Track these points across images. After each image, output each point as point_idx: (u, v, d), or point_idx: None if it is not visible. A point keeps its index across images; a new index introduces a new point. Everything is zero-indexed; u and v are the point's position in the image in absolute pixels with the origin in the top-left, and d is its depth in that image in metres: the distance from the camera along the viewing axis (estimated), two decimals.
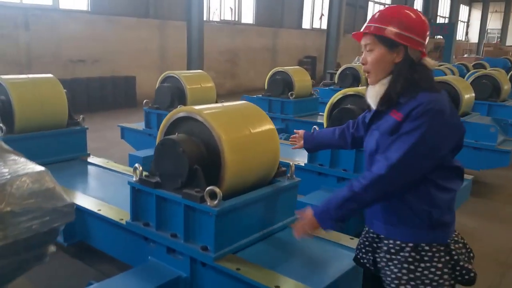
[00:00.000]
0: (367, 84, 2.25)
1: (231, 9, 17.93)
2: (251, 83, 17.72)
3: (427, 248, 2.03)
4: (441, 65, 12.21)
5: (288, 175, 3.31)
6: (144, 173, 3.12)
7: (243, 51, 17.82)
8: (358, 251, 2.37)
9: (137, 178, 3.11)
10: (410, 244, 2.04)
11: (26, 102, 4.66)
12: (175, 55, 14.36)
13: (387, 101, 2.09)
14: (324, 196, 4.01)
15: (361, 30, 2.18)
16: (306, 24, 22.56)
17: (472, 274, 2.06)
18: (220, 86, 16.03)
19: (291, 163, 3.35)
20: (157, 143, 3.04)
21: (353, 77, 9.80)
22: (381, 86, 2.11)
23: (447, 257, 2.04)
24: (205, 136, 2.90)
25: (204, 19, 13.98)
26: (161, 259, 3.06)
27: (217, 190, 2.70)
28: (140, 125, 6.76)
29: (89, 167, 4.85)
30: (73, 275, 4.02)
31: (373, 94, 2.16)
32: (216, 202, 2.70)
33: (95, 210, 3.55)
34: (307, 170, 4.73)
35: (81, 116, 5.11)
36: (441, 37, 22.66)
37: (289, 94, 7.81)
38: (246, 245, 2.92)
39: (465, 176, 4.87)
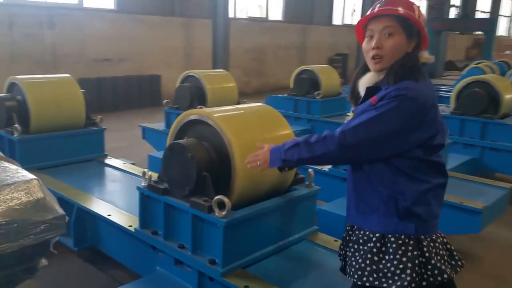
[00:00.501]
0: (360, 70, 2.14)
1: (259, 6, 17.72)
2: (278, 81, 17.46)
3: (393, 239, 1.93)
4: (480, 62, 11.58)
5: (307, 182, 3.10)
6: (154, 178, 2.96)
7: (270, 49, 17.57)
8: (339, 251, 2.25)
9: (146, 184, 2.95)
10: (377, 235, 1.96)
11: (42, 102, 4.58)
12: (200, 54, 14.23)
13: (375, 89, 2.02)
14: (345, 203, 3.73)
15: (380, 9, 2.00)
16: (337, 20, 22.11)
17: (445, 276, 1.90)
18: (246, 85, 15.91)
19: (309, 170, 3.13)
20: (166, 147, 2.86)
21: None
22: (380, 76, 2.02)
23: (416, 252, 1.90)
24: (216, 140, 2.73)
25: (231, 16, 13.81)
26: (169, 270, 2.90)
27: (225, 199, 2.51)
28: (161, 125, 6.63)
29: (106, 168, 4.74)
30: (84, 281, 3.89)
31: (366, 82, 2.07)
32: (224, 212, 2.51)
33: (105, 215, 3.41)
34: (331, 176, 4.48)
35: (99, 116, 4.99)
36: (481, 32, 21.81)
37: (316, 93, 7.56)
38: (258, 258, 2.73)
39: (503, 185, 4.70)
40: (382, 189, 1.96)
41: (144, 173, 2.98)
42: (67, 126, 4.75)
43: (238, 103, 6.40)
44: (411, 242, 1.91)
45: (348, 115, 8.28)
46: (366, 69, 2.11)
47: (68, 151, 4.72)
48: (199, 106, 5.76)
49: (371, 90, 2.03)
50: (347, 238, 2.14)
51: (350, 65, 20.54)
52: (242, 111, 2.98)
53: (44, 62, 10.77)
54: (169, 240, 2.85)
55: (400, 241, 1.91)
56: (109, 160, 4.92)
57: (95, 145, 4.95)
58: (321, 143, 2.00)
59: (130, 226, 3.18)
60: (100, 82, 11.74)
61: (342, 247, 2.21)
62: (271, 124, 2.97)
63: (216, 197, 2.54)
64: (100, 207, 3.58)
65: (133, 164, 5.11)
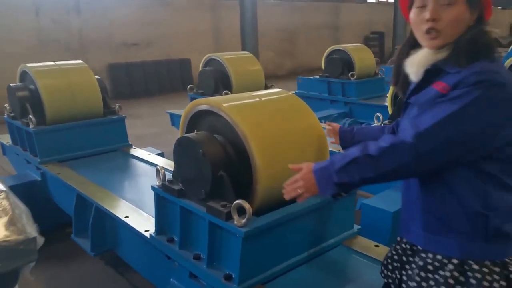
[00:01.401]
0: (405, 47, 1.78)
1: None
2: (311, 62, 16.93)
3: (476, 267, 1.55)
4: None
5: None
6: (168, 176, 2.64)
7: (301, 29, 17.03)
8: (383, 268, 1.90)
9: (160, 183, 2.63)
10: (455, 260, 1.58)
11: (54, 91, 4.30)
12: (229, 36, 13.85)
13: (435, 73, 1.65)
14: (395, 197, 3.31)
15: None
16: None
17: None
18: (279, 67, 15.47)
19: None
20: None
21: None
22: (438, 54, 1.65)
23: (503, 283, 1.54)
24: (230, 134, 2.37)
25: None
26: (184, 284, 2.57)
27: (245, 205, 2.15)
28: None
29: (130, 160, 4.43)
30: (102, 285, 3.65)
31: (420, 62, 1.69)
32: (244, 220, 2.16)
33: (122, 217, 3.10)
34: None
35: (117, 104, 4.69)
36: None
37: (350, 74, 7.07)
38: (283, 271, 2.37)
39: None
40: (468, 203, 1.57)
41: (157, 171, 2.65)
42: (85, 115, 4.47)
43: (266, 87, 6.06)
44: (497, 270, 1.55)
45: (387, 96, 7.79)
46: (413, 45, 1.74)
47: (88, 142, 4.45)
48: (224, 92, 5.42)
49: (432, 74, 1.66)
50: (403, 258, 1.77)
51: (387, 44, 19.79)
52: (257, 99, 2.60)
53: (72, 48, 10.62)
54: (185, 249, 2.52)
55: (485, 269, 1.55)
56: (134, 151, 4.60)
57: (117, 134, 4.65)
58: (388, 154, 1.57)
59: (146, 231, 2.86)
60: (129, 67, 11.56)
61: (389, 265, 1.85)
62: (295, 113, 2.58)
63: (235, 202, 2.20)
64: (119, 207, 3.27)
65: (161, 154, 4.82)
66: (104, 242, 3.44)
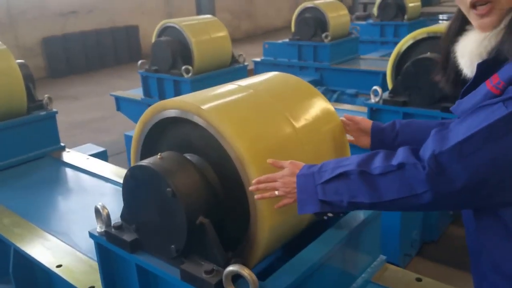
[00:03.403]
0: (455, 25, 1.32)
1: None
2: (270, 23, 15.95)
3: None
4: None
5: None
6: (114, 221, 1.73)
7: None
8: None
9: (102, 230, 1.72)
10: None
11: None
12: None
13: (495, 63, 1.15)
14: None
15: None
16: None
17: None
18: (235, 29, 14.38)
19: None
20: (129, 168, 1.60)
21: (397, 7, 8.00)
22: (492, 37, 1.17)
23: None
24: (215, 153, 1.53)
25: None
26: None
27: (246, 273, 1.33)
28: (138, 93, 5.29)
29: (61, 169, 3.41)
30: None
31: (472, 50, 1.21)
32: None
33: (53, 266, 2.18)
34: None
35: (46, 95, 3.61)
36: None
37: (323, 36, 6.26)
38: None
39: None
40: None
41: (97, 211, 1.73)
42: (2, 115, 3.37)
43: (233, 57, 5.10)
44: None
45: (364, 59, 7.01)
46: (464, 22, 1.29)
47: (7, 149, 3.37)
48: (184, 67, 4.43)
49: (486, 67, 1.17)
50: None
51: None
52: (251, 91, 1.69)
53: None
54: None
55: None
56: (67, 155, 3.57)
57: (45, 135, 3.58)
58: (392, 178, 1.17)
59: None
60: (66, 39, 10.30)
61: None
62: (305, 107, 1.71)
63: (230, 269, 1.34)
64: (47, 249, 2.34)
65: (103, 153, 3.83)
66: None
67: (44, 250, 2.31)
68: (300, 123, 1.61)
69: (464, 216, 1.31)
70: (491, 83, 1.12)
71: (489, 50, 1.17)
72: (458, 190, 1.08)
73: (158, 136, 1.72)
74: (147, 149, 1.73)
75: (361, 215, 1.80)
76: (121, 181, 3.05)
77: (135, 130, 1.71)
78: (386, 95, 3.60)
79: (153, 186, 1.46)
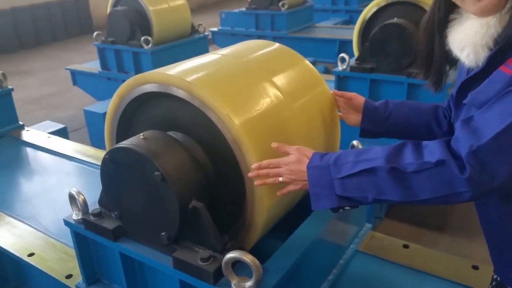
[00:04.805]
0: (440, 12, 1.23)
1: None
2: None
3: None
4: None
5: None
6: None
7: None
8: None
9: (79, 218, 1.59)
10: None
11: None
12: None
13: (505, 48, 1.07)
14: None
15: None
16: None
17: None
18: None
19: (354, 142, 1.80)
20: (106, 152, 1.47)
21: None
22: (496, 23, 1.08)
23: None
24: (205, 130, 1.42)
25: None
26: None
27: (249, 260, 1.23)
28: (95, 66, 5.04)
29: (22, 150, 3.21)
30: None
31: (477, 41, 1.11)
32: (251, 283, 1.25)
33: (24, 256, 2.04)
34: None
35: (0, 72, 3.36)
36: None
37: (280, 4, 6.21)
38: None
39: None
40: None
41: (72, 197, 1.60)
42: None
43: (193, 27, 4.92)
44: None
45: (318, 27, 6.93)
46: (449, 9, 1.21)
47: None
48: (143, 38, 4.22)
49: (496, 55, 1.09)
50: None
51: None
52: (244, 60, 1.58)
53: None
54: None
55: None
56: (27, 134, 3.37)
57: (3, 114, 3.37)
58: (431, 176, 1.07)
59: (69, 277, 1.89)
60: (16, 13, 9.71)
61: None
62: (300, 81, 1.62)
63: (230, 255, 1.25)
64: (16, 236, 2.18)
65: (63, 130, 3.65)
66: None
67: (12, 238, 2.17)
68: (293, 97, 1.51)
69: (478, 204, 1.28)
70: (510, 68, 1.05)
71: (495, 38, 1.09)
72: (500, 185, 1.02)
73: (134, 113, 1.58)
74: (123, 127, 1.59)
75: None
76: (85, 159, 2.93)
77: (110, 105, 1.56)
78: (353, 62, 3.56)
79: (138, 170, 1.34)
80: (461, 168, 1.03)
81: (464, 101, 1.18)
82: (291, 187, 1.30)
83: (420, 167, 1.08)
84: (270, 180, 1.28)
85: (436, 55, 1.25)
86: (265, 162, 1.28)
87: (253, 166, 1.27)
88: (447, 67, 1.29)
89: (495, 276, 1.35)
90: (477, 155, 1.01)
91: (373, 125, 1.59)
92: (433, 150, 1.09)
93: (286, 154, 1.29)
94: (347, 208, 1.23)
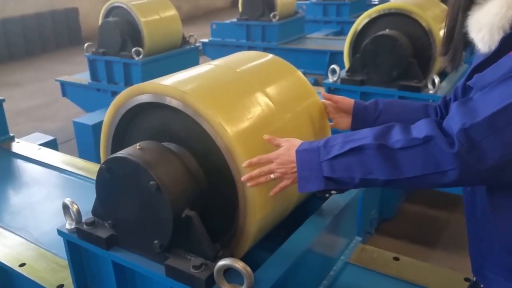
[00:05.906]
0: (463, 4, 1.17)
1: None
2: (210, 3, 15.66)
3: None
4: None
5: None
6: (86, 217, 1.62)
7: None
8: None
9: (73, 227, 1.60)
10: None
11: None
12: None
13: None
14: None
15: None
16: None
17: None
18: (176, 10, 14.02)
19: None
20: (101, 162, 1.49)
21: None
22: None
23: None
24: (198, 141, 1.44)
25: None
26: None
27: (239, 265, 1.27)
28: (85, 77, 5.03)
29: (12, 162, 3.20)
30: None
31: (494, 23, 1.09)
32: None
33: (15, 266, 2.03)
34: None
35: None
36: None
37: (271, 15, 6.21)
38: None
39: None
40: None
41: (65, 207, 1.61)
42: None
43: (184, 38, 4.95)
44: None
45: (310, 38, 6.99)
46: None
47: None
48: (134, 49, 4.24)
49: (506, 40, 1.08)
50: None
51: None
52: (238, 71, 1.61)
53: None
54: None
55: None
56: (17, 146, 3.36)
57: None
58: (418, 152, 1.08)
59: (60, 287, 1.88)
60: (7, 23, 9.69)
61: None
62: (292, 91, 1.65)
63: (222, 263, 1.26)
64: (8, 247, 2.17)
65: (53, 141, 3.64)
66: None
67: (3, 248, 2.15)
68: (285, 108, 1.54)
69: (466, 197, 1.28)
70: None
71: (509, 20, 1.08)
72: (488, 167, 1.01)
73: (129, 124, 1.60)
74: (119, 137, 1.61)
75: (341, 200, 1.76)
76: (75, 171, 2.92)
77: (106, 116, 1.58)
78: (343, 73, 3.59)
79: (134, 180, 1.36)
80: (450, 144, 1.03)
81: (468, 83, 1.17)
82: (282, 184, 1.30)
83: (408, 143, 1.08)
84: (262, 178, 1.28)
85: (456, 34, 1.22)
86: (255, 159, 1.29)
87: (244, 164, 1.29)
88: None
89: (474, 279, 1.36)
90: (469, 133, 1.00)
91: (363, 125, 1.56)
92: (421, 128, 1.09)
93: (278, 147, 1.31)
94: (333, 192, 1.24)
